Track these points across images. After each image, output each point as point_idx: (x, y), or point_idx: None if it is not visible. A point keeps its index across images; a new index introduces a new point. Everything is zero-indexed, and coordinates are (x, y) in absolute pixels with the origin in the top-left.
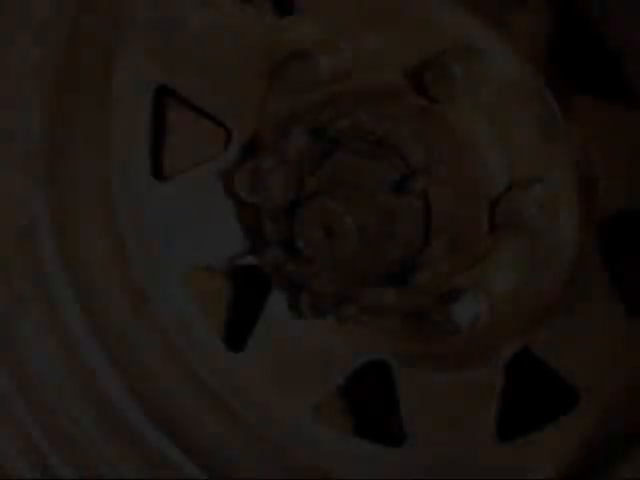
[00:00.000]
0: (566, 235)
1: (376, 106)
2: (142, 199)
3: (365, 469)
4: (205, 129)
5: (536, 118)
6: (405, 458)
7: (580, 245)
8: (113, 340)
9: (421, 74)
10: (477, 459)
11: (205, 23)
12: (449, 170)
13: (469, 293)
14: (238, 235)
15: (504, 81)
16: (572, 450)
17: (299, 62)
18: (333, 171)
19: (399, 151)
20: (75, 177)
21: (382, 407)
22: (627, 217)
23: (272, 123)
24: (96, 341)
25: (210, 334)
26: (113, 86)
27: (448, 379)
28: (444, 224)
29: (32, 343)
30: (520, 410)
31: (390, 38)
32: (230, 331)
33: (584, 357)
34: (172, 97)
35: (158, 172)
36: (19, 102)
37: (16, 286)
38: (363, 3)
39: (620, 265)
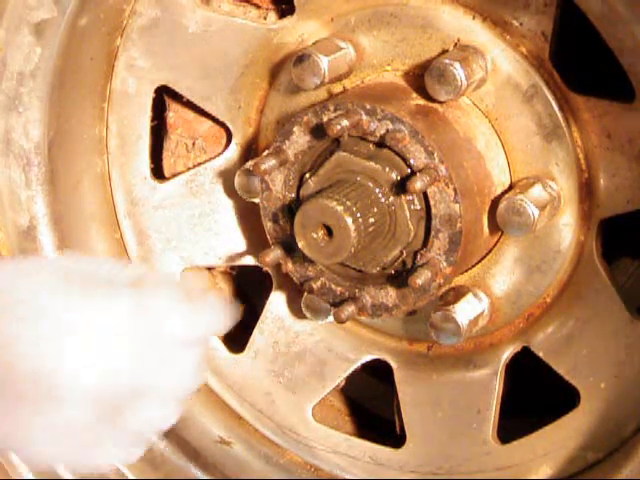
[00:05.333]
0: (566, 235)
1: (376, 106)
2: (142, 199)
3: (365, 469)
4: (205, 129)
5: (536, 118)
6: (405, 458)
7: (580, 245)
8: None
9: (421, 74)
10: (477, 459)
11: (205, 23)
12: (449, 170)
13: (469, 293)
14: (238, 235)
15: (504, 81)
16: (572, 450)
17: (299, 62)
18: (333, 171)
19: (399, 151)
20: (75, 177)
21: (382, 407)
22: (627, 217)
23: (272, 123)
24: None
25: None
26: (113, 86)
27: (448, 379)
28: (444, 224)
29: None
30: (520, 410)
31: (390, 38)
32: (230, 331)
33: (584, 357)
34: (172, 97)
35: (158, 172)
36: (19, 102)
37: None
38: (363, 3)
39: (620, 265)
